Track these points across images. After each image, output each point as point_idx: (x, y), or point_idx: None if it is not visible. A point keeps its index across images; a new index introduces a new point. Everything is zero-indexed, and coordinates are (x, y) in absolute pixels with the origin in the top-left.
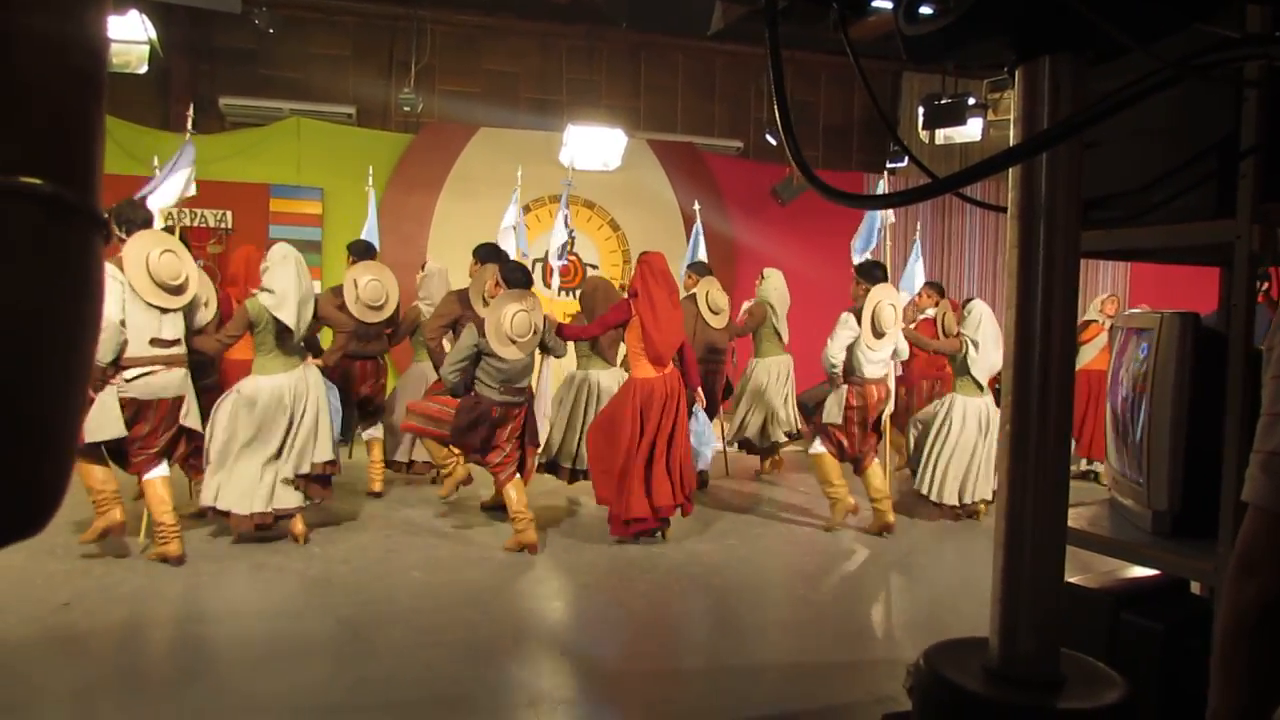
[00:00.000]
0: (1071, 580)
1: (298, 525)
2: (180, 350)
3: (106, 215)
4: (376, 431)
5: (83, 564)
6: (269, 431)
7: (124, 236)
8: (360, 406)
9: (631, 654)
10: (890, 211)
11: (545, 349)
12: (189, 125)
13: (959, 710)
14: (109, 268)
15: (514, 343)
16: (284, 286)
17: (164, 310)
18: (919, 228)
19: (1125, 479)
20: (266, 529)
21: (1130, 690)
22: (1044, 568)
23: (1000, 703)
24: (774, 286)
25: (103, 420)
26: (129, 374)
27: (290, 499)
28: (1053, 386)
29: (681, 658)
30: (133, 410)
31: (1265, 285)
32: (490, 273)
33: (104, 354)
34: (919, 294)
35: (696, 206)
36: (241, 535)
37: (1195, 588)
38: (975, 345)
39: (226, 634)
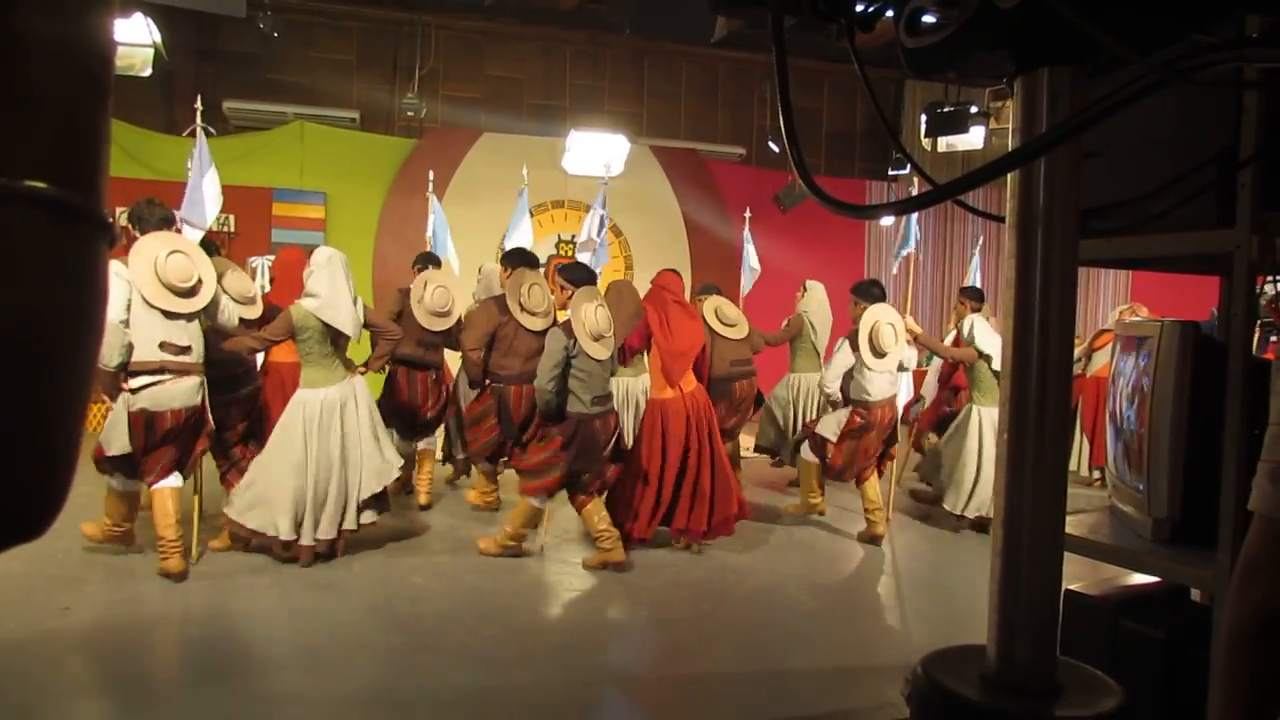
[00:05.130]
0: (1072, 587)
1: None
2: (193, 359)
3: (112, 220)
4: (428, 445)
5: (83, 570)
6: (318, 450)
7: (138, 235)
8: (416, 420)
9: (632, 660)
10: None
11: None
12: (198, 119)
13: (955, 718)
14: (115, 265)
15: (599, 339)
16: (330, 291)
17: (173, 315)
18: (978, 241)
19: (1126, 486)
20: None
21: (1127, 698)
22: (1041, 576)
23: (996, 710)
24: (815, 300)
25: (116, 433)
26: (136, 383)
27: (348, 521)
28: (1050, 395)
29: (682, 664)
30: (143, 424)
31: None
32: (524, 276)
33: (110, 357)
34: (958, 304)
35: (747, 214)
36: (275, 555)
37: (1195, 595)
38: (988, 359)
39: (226, 638)
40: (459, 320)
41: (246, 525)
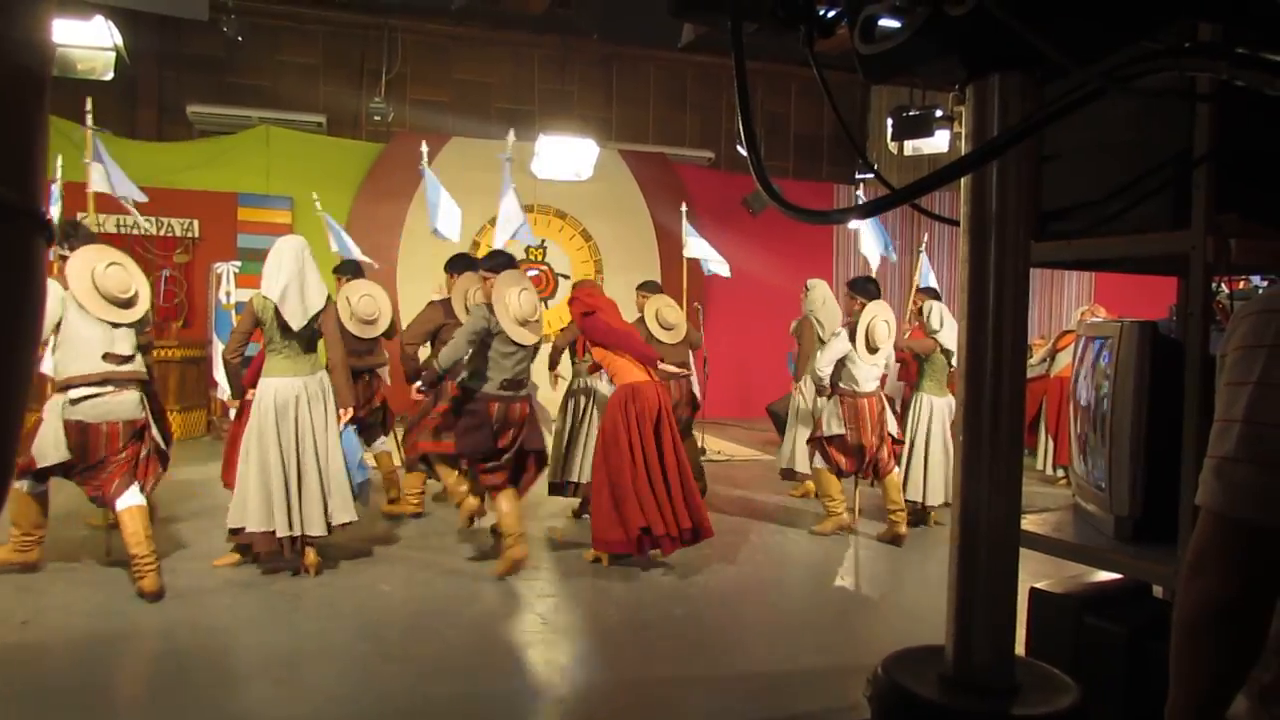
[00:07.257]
0: (1037, 585)
1: (310, 555)
2: (135, 368)
3: (49, 217)
4: (381, 445)
5: (42, 582)
6: (284, 438)
7: (67, 253)
8: (360, 427)
9: (604, 665)
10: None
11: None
12: (89, 121)
13: (914, 718)
14: (51, 283)
15: (524, 325)
16: (277, 276)
17: (115, 325)
18: (925, 239)
19: (1088, 485)
20: (286, 552)
21: (1083, 695)
22: (998, 577)
23: (955, 710)
24: (820, 298)
25: (49, 444)
26: (75, 394)
27: (316, 527)
28: (1004, 397)
29: (654, 668)
30: (78, 435)
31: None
32: (468, 281)
33: None
34: (914, 300)
35: (684, 209)
36: (263, 559)
37: (1158, 591)
38: (949, 355)
39: (190, 651)
40: (391, 323)
41: (248, 529)
